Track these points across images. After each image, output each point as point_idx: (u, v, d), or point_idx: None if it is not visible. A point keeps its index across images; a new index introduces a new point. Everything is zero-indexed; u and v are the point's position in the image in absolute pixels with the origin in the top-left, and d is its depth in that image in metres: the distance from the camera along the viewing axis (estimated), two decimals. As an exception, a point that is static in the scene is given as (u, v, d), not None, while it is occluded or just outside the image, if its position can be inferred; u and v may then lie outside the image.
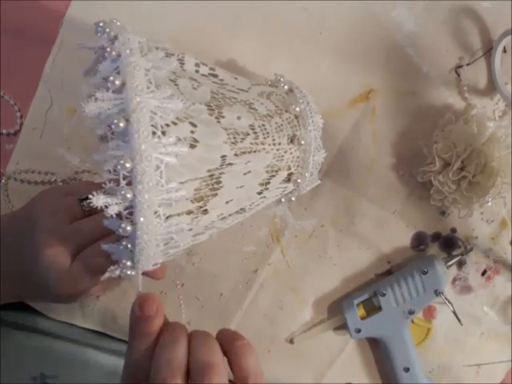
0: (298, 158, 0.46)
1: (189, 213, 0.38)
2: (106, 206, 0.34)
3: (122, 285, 0.58)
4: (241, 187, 0.42)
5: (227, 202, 0.42)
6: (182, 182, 0.36)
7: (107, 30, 0.35)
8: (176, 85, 0.37)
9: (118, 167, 0.33)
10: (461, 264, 0.58)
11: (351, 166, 0.57)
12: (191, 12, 0.54)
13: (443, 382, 0.60)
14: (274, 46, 0.55)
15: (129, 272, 0.38)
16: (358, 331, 0.57)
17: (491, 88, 0.56)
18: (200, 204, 0.39)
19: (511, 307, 0.58)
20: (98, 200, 0.34)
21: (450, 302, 0.56)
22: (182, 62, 0.40)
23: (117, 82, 0.33)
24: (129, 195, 0.33)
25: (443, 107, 0.56)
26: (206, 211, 0.40)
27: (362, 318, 0.57)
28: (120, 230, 0.35)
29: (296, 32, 0.55)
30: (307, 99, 0.47)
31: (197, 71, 0.40)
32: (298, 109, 0.46)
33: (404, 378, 0.57)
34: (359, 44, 0.55)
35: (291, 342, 0.60)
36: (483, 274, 0.58)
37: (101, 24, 0.36)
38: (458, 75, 0.56)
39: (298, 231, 0.58)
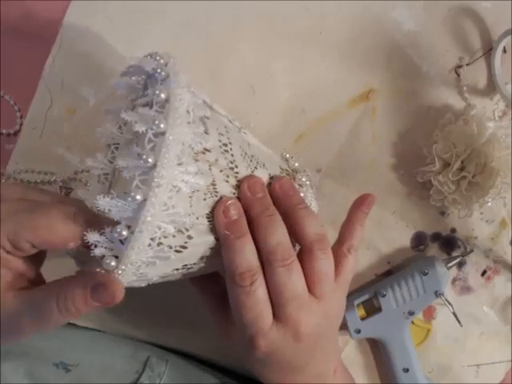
0: None
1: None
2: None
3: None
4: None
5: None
6: (154, 270, 0.37)
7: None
8: (190, 197, 0.36)
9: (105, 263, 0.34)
10: (461, 264, 0.58)
11: (351, 165, 0.57)
12: (191, 12, 0.54)
13: (443, 382, 0.60)
14: (274, 46, 0.55)
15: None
16: (358, 332, 0.57)
17: (491, 88, 0.56)
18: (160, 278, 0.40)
19: (511, 307, 0.58)
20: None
21: (450, 304, 0.56)
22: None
23: (138, 197, 0.33)
24: (113, 263, 0.34)
25: (443, 107, 0.56)
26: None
27: (362, 319, 0.57)
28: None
29: (296, 32, 0.55)
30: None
31: (221, 171, 0.40)
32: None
33: (403, 378, 0.57)
34: (359, 44, 0.55)
35: None
36: (483, 274, 0.58)
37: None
38: (458, 75, 0.56)
39: (297, 231, 0.58)
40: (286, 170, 0.45)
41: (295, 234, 0.41)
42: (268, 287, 0.39)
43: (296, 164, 0.47)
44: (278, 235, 0.39)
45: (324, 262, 0.40)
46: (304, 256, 0.40)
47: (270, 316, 0.39)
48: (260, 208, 0.40)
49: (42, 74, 0.55)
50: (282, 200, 0.41)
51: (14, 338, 0.37)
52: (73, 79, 0.55)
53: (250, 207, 0.40)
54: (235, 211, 0.39)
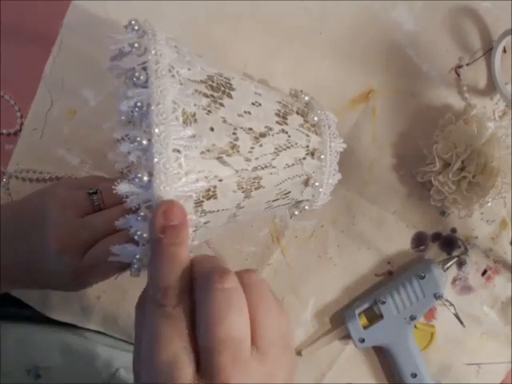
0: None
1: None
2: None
3: (123, 286, 0.58)
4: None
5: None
6: None
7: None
8: (203, 156, 0.37)
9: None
10: (461, 264, 0.58)
11: (351, 166, 0.57)
12: (191, 12, 0.54)
13: (443, 382, 0.60)
14: (274, 46, 0.55)
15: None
16: (362, 341, 0.57)
17: (491, 88, 0.56)
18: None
19: (511, 307, 0.58)
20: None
21: (451, 305, 0.56)
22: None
23: (145, 178, 0.33)
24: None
25: (443, 107, 0.56)
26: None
27: (365, 327, 0.57)
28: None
29: (296, 32, 0.55)
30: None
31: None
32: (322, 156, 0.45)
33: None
34: (359, 44, 0.55)
35: (299, 354, 0.60)
36: (483, 274, 0.58)
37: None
38: (458, 75, 0.56)
39: (298, 231, 0.58)
40: (298, 109, 0.45)
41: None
42: (198, 326, 0.29)
43: (306, 98, 0.46)
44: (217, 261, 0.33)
45: (279, 308, 0.32)
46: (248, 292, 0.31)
47: (191, 366, 0.29)
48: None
49: (43, 75, 0.55)
50: None
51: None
52: (73, 80, 0.55)
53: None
54: (178, 215, 0.32)
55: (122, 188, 0.34)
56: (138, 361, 0.31)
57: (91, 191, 0.47)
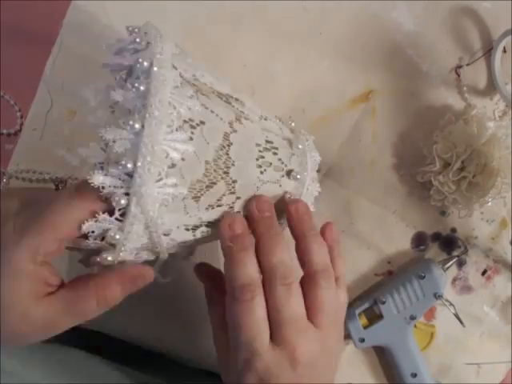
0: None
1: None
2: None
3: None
4: None
5: None
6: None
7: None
8: (180, 168, 0.36)
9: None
10: (461, 264, 0.58)
11: (351, 166, 0.57)
12: (191, 12, 0.54)
13: (443, 382, 0.60)
14: (274, 46, 0.55)
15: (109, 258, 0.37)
16: (362, 341, 0.57)
17: (491, 88, 0.56)
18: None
19: (511, 307, 0.58)
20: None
21: (451, 305, 0.56)
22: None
23: (129, 165, 0.33)
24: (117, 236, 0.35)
25: (443, 107, 0.56)
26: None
27: (365, 328, 0.57)
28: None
29: (296, 32, 0.55)
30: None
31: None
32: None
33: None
34: (359, 44, 0.55)
35: None
36: (483, 273, 0.58)
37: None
38: (458, 75, 0.56)
39: (297, 231, 0.58)
40: (286, 138, 0.45)
41: (301, 261, 0.41)
42: (267, 307, 0.38)
43: (292, 124, 0.47)
44: (280, 254, 0.39)
45: (327, 292, 0.40)
46: (307, 283, 0.40)
47: (267, 337, 0.38)
48: (265, 227, 0.40)
49: (43, 76, 0.55)
50: (295, 224, 0.42)
51: (49, 336, 0.38)
52: (73, 80, 0.55)
53: (257, 226, 0.40)
54: (240, 225, 0.39)
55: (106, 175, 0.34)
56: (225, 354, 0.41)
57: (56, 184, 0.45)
